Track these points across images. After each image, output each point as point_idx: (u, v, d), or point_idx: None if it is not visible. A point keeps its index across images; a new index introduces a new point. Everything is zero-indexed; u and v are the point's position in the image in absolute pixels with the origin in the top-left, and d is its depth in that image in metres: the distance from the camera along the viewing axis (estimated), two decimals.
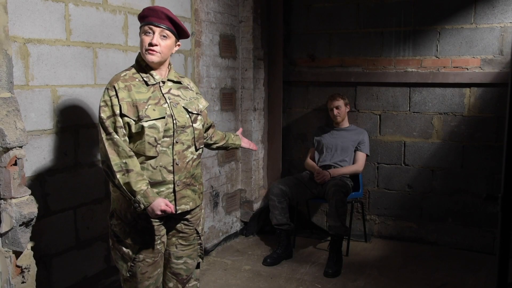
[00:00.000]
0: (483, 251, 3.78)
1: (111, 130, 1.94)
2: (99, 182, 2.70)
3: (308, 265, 3.58)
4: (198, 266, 2.33)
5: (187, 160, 2.10)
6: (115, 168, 1.91)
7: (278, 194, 3.66)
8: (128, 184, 1.91)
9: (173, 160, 2.05)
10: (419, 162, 3.97)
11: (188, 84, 2.22)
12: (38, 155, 2.34)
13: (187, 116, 2.10)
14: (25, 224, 1.87)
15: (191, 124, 2.11)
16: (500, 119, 3.67)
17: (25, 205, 1.87)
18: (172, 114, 2.05)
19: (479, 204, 3.78)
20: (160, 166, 2.03)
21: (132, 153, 1.96)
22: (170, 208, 1.95)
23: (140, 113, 1.97)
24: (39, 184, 2.35)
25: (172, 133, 2.04)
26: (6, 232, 1.84)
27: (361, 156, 3.87)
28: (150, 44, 1.99)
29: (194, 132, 2.12)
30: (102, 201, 2.72)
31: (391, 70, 3.98)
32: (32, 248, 1.95)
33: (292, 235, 3.82)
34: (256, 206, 4.22)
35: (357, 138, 3.88)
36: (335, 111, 3.87)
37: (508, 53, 3.59)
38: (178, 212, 2.11)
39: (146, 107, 1.99)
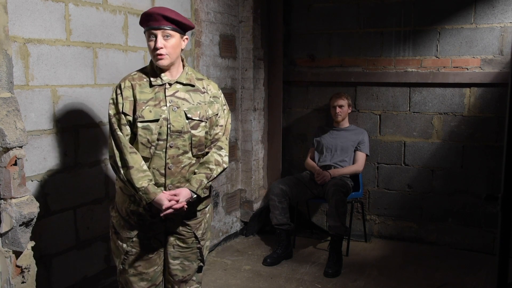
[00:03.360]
0: (483, 251, 3.78)
1: (116, 126, 2.00)
2: (99, 182, 2.70)
3: (308, 265, 3.58)
4: (200, 270, 2.29)
5: (182, 165, 2.06)
6: (119, 163, 1.99)
7: (278, 194, 3.65)
8: (130, 180, 1.96)
9: (166, 164, 2.03)
10: (419, 162, 3.97)
11: (203, 87, 2.12)
12: (38, 155, 2.34)
13: (186, 121, 2.04)
14: (25, 224, 1.87)
15: (189, 130, 2.05)
16: (500, 119, 3.67)
17: (25, 205, 1.87)
18: (168, 118, 2.01)
19: (479, 204, 3.78)
20: (153, 168, 2.03)
21: (133, 150, 1.99)
22: (175, 205, 1.97)
23: (136, 113, 1.99)
24: (39, 184, 2.35)
25: (166, 137, 2.02)
26: (6, 232, 1.84)
27: (361, 156, 3.87)
28: (156, 49, 1.98)
29: (191, 139, 2.06)
30: (102, 201, 2.72)
31: (391, 70, 3.98)
32: (32, 248, 1.95)
33: (292, 235, 3.82)
34: (256, 206, 4.22)
35: (357, 138, 3.88)
36: (338, 109, 3.86)
37: (508, 53, 3.58)
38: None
39: (144, 107, 2.00)
